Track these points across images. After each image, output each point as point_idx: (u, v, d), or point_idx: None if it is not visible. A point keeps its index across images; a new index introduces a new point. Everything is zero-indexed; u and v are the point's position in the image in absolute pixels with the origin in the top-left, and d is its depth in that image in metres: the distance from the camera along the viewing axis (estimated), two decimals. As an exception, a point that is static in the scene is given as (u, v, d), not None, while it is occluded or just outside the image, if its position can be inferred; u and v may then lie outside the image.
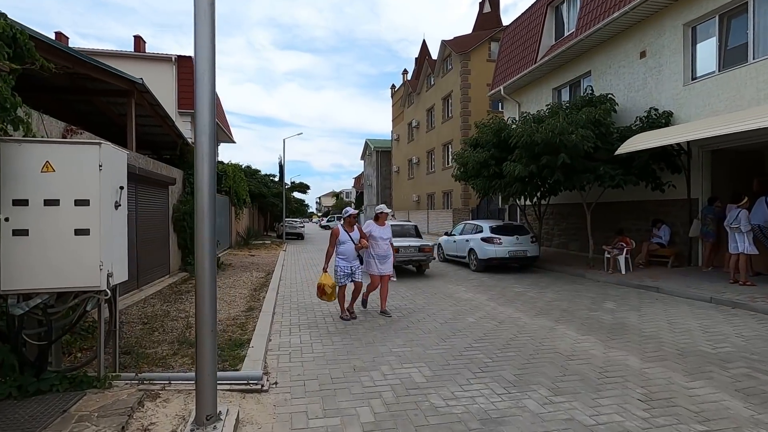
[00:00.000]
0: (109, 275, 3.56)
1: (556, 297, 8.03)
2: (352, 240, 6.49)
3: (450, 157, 28.26)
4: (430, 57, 32.55)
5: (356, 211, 7.20)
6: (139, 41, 23.62)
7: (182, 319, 6.25)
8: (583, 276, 10.26)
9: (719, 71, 9.59)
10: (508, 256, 11.08)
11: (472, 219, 22.19)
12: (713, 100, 9.52)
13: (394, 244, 7.48)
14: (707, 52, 9.95)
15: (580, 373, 4.20)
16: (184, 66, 22.55)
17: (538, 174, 10.13)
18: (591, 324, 6.05)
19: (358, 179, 70.45)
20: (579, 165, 9.80)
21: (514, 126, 11.06)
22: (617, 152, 9.52)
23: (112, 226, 3.68)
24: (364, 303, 7.08)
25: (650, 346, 5.02)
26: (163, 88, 21.99)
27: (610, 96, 11.17)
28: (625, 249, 9.92)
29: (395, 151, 41.07)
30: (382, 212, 6.79)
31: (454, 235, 13.50)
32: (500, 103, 21.51)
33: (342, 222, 6.80)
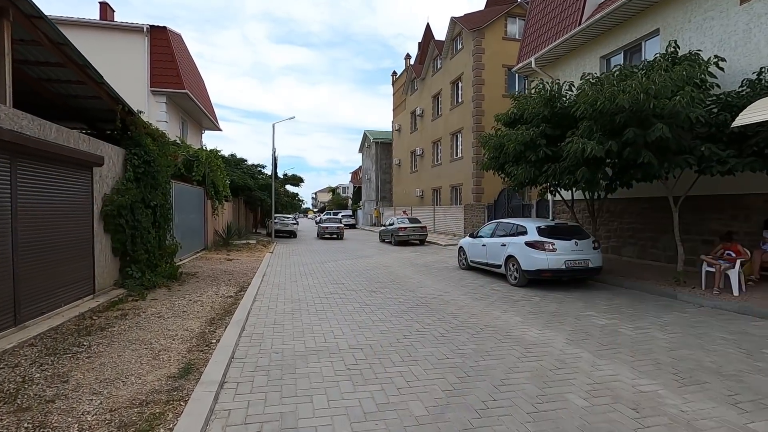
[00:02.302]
0: None
1: (672, 339, 5.19)
2: None
3: (459, 147, 25.43)
4: (435, 39, 29.57)
5: None
6: (105, 9, 20.48)
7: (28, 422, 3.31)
8: (673, 297, 7.44)
9: None
10: (564, 267, 8.23)
11: (489, 217, 19.37)
12: None
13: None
14: None
15: None
16: (158, 38, 19.53)
17: (617, 154, 7.25)
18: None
19: (355, 174, 67.46)
20: (675, 143, 6.96)
21: (577, 91, 8.12)
22: (735, 124, 6.67)
23: None
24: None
25: None
26: (134, 64, 19.01)
27: (697, 53, 8.29)
28: (738, 261, 7.09)
29: (396, 142, 38.12)
30: None
31: (482, 236, 10.64)
32: (525, 81, 18.62)
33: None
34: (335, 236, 23.89)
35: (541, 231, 8.64)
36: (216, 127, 26.58)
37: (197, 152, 13.46)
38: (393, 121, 39.14)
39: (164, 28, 19.54)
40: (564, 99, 8.92)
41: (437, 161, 28.83)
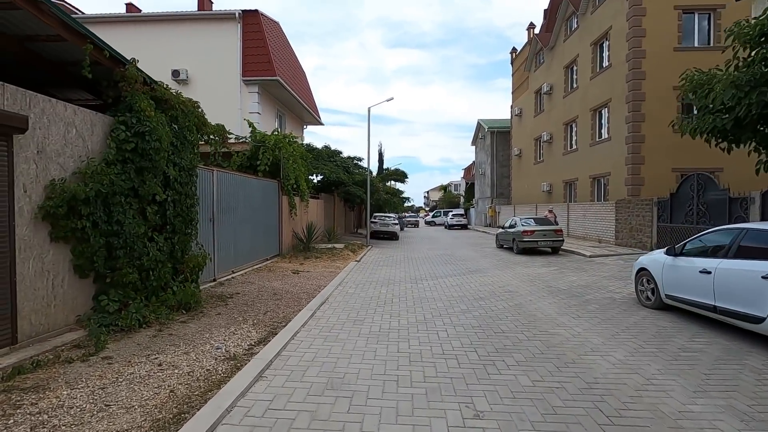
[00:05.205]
0: None
1: None
2: None
3: (604, 126, 19.37)
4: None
5: None
6: (202, -1, 19.76)
7: None
8: None
9: None
10: None
11: (662, 217, 13.46)
12: None
13: None
14: None
15: None
16: (250, 23, 17.94)
17: None
18: None
19: (468, 170, 62.58)
20: None
21: None
22: None
23: None
24: None
25: None
26: (227, 53, 17.68)
27: None
28: None
29: (516, 129, 32.56)
30: None
31: (696, 255, 5.79)
32: (710, 20, 12.40)
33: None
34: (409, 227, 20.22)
35: None
36: (317, 122, 24.89)
37: (264, 136, 10.89)
38: (512, 106, 33.63)
39: (256, 11, 17.88)
40: None
41: (571, 147, 22.93)
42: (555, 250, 15.36)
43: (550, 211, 18.09)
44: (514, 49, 34.13)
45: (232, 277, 8.76)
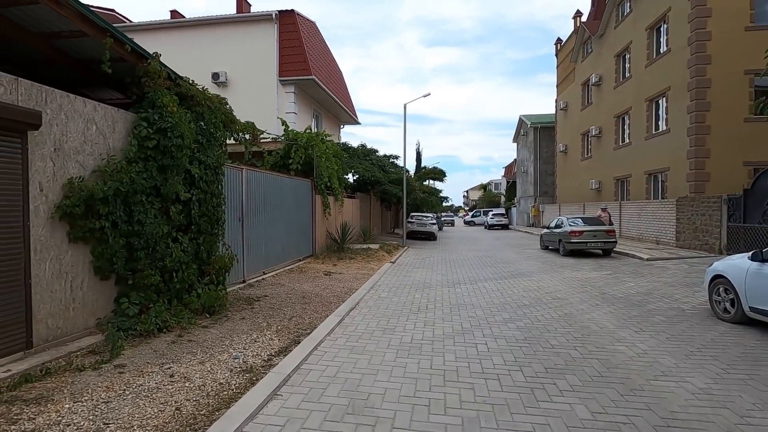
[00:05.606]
0: None
1: None
2: None
3: (661, 117, 17.77)
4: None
5: None
6: (241, 1, 20.02)
7: None
8: None
9: None
10: None
11: (733, 217, 12.03)
12: None
13: None
14: None
15: None
16: (286, 23, 17.93)
17: None
18: None
19: (509, 168, 60.65)
20: None
21: None
22: None
23: None
24: None
25: None
26: (265, 54, 17.76)
27: None
28: None
29: (561, 124, 30.92)
30: None
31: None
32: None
33: None
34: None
35: None
36: (354, 121, 24.71)
37: (296, 134, 10.64)
38: (556, 100, 31.97)
39: (292, 11, 17.85)
40: None
41: (623, 141, 21.32)
42: (606, 253, 14.17)
43: (604, 210, 16.61)
44: (558, 40, 32.43)
45: (263, 279, 8.54)
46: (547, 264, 12.14)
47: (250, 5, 20.77)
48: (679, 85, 16.11)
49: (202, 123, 6.24)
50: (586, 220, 14.74)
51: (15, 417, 2.98)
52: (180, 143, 5.34)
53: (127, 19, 21.78)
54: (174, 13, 21.52)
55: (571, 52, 28.21)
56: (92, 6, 20.84)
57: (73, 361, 3.97)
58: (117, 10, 22.04)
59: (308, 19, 19.18)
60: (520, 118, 39.53)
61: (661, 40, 18.06)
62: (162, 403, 3.24)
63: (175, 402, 3.27)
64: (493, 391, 3.60)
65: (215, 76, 17.03)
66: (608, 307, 6.67)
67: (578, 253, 14.21)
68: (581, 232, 13.72)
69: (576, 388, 3.66)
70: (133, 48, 5.18)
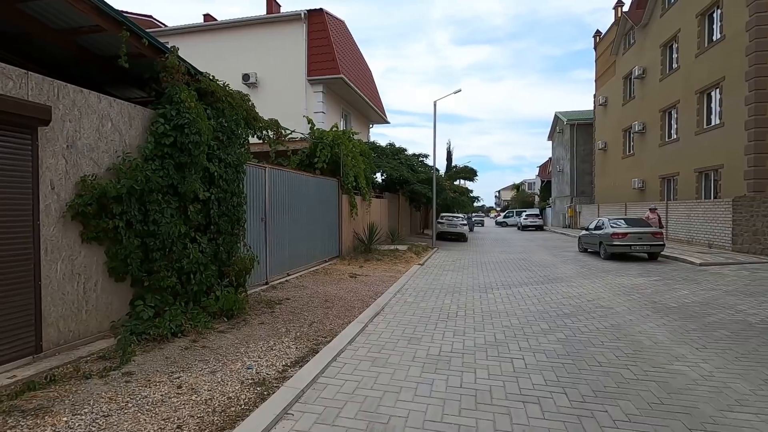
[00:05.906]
0: None
1: None
2: None
3: (714, 110, 16.41)
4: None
5: None
6: (271, 3, 20.11)
7: None
8: None
9: None
10: None
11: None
12: None
13: None
14: None
15: None
16: (315, 22, 17.82)
17: None
18: None
19: (543, 167, 58.64)
20: None
21: None
22: None
23: None
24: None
25: None
26: (294, 54, 17.72)
27: None
28: None
29: (600, 120, 29.43)
30: None
31: None
32: None
33: None
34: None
35: None
36: (383, 120, 24.43)
37: (321, 132, 10.39)
38: (595, 95, 30.48)
39: (320, 10, 17.71)
40: None
41: (669, 136, 19.93)
42: (653, 256, 13.15)
43: (653, 211, 15.20)
44: (597, 32, 30.92)
45: (286, 280, 8.31)
46: (588, 268, 11.34)
47: (280, 6, 20.83)
48: (735, 75, 14.80)
49: (222, 120, 6.04)
50: (630, 221, 13.76)
51: (9, 430, 2.78)
52: (197, 140, 5.13)
53: (163, 24, 22.36)
54: (207, 17, 21.90)
55: (612, 45, 26.77)
56: (130, 13, 21.56)
57: (80, 367, 3.79)
58: (154, 16, 22.65)
59: (337, 18, 19.01)
60: (555, 115, 38.04)
61: (714, 27, 16.69)
62: (164, 420, 2.97)
63: (178, 419, 2.99)
64: (533, 419, 3.12)
65: (245, 77, 17.10)
66: (660, 319, 5.98)
67: (621, 256, 13.26)
68: (625, 234, 12.78)
69: (633, 419, 3.12)
70: (151, 42, 5.01)
